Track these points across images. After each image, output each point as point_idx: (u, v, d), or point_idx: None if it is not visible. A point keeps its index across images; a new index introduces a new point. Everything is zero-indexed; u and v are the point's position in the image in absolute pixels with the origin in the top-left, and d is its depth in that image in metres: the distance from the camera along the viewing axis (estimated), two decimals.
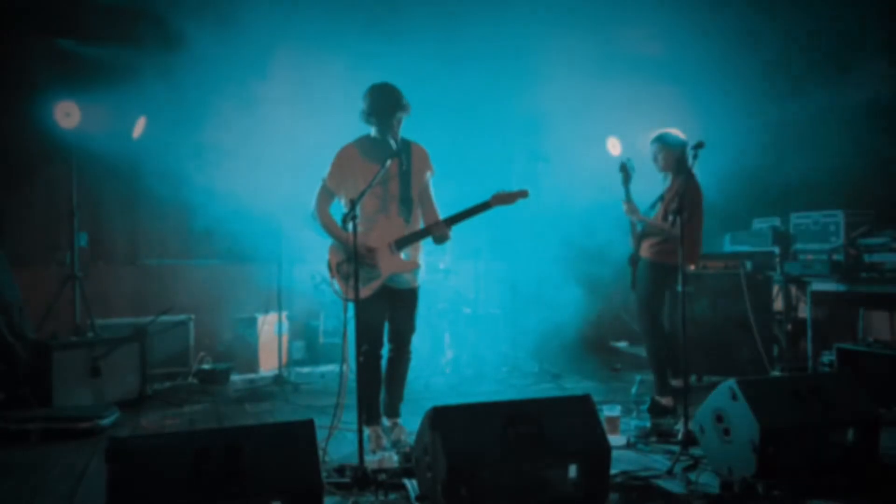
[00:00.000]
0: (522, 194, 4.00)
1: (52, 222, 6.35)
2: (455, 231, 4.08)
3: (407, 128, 4.12)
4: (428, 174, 4.16)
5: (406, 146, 4.08)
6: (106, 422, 4.56)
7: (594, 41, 6.35)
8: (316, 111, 5.69)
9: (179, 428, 4.62)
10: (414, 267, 4.07)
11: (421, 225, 4.13)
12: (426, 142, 4.23)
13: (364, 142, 4.08)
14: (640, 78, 6.55)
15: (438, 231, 3.99)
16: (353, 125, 4.14)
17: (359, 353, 3.69)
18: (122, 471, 2.53)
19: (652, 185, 5.01)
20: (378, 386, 4.15)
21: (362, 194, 3.63)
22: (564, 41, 6.26)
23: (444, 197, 4.35)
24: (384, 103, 3.96)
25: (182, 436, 2.98)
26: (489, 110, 7.01)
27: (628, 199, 4.78)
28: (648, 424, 4.38)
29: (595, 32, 6.31)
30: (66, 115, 5.81)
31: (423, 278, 4.22)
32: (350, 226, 3.49)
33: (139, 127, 6.20)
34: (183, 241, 6.94)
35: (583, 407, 3.23)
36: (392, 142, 3.95)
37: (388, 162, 3.79)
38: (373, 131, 4.04)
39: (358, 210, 3.53)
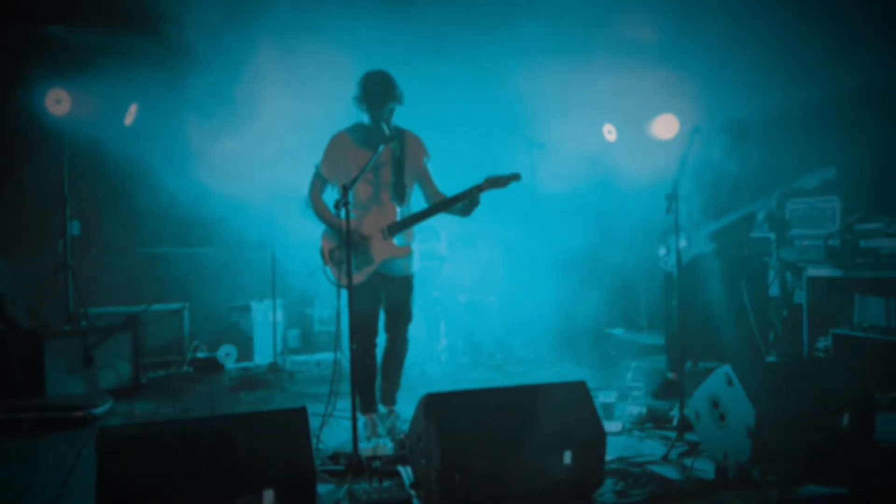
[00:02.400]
0: (514, 177, 3.95)
1: (44, 211, 6.29)
2: (451, 218, 4.08)
3: (399, 116, 4.09)
4: (425, 159, 4.14)
5: (400, 134, 4.06)
6: (99, 410, 4.53)
7: (590, 26, 6.31)
8: (310, 97, 5.64)
9: (173, 417, 4.60)
10: (407, 252, 4.05)
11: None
12: (418, 130, 4.21)
13: (357, 129, 4.06)
14: (637, 64, 6.50)
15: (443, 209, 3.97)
16: (347, 110, 4.11)
17: (352, 340, 3.67)
18: (112, 460, 2.51)
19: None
20: (374, 374, 4.14)
21: (355, 180, 3.60)
22: (559, 25, 6.22)
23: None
24: (377, 91, 3.93)
25: (174, 424, 2.96)
26: (483, 98, 6.96)
27: None
28: (644, 411, 4.37)
29: (591, 17, 6.26)
30: (57, 102, 5.76)
31: (417, 267, 4.20)
32: (342, 212, 3.46)
33: (131, 114, 6.14)
34: (176, 228, 6.89)
35: (577, 393, 3.22)
36: (385, 127, 3.91)
37: (381, 147, 3.77)
38: (366, 118, 4.00)
39: (351, 197, 3.50)
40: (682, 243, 4.93)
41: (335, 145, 4.05)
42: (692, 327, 4.41)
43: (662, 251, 5.16)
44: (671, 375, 4.89)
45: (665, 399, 4.71)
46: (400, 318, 4.15)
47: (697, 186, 4.89)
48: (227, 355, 6.34)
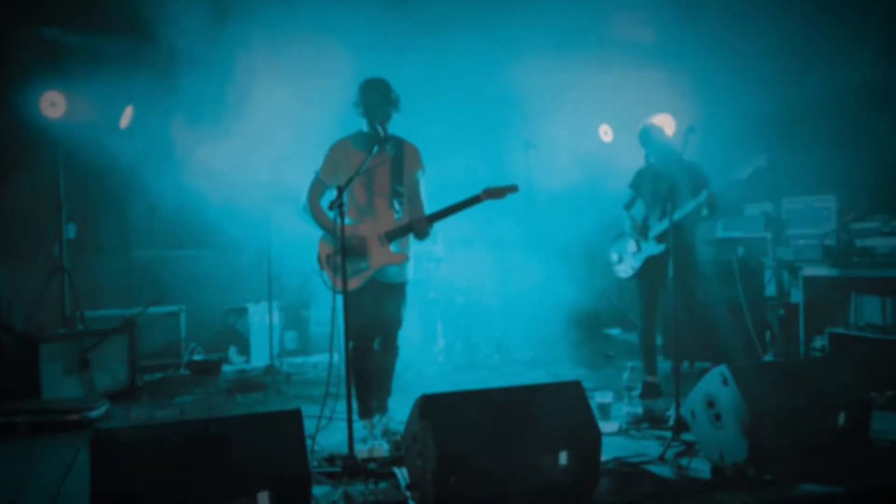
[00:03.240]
0: (512, 189, 4.02)
1: (39, 214, 6.28)
2: (447, 220, 4.08)
3: (399, 116, 4.11)
4: (419, 172, 4.19)
5: (399, 143, 4.13)
6: (95, 414, 4.52)
7: (586, 25, 6.31)
8: (306, 101, 5.64)
9: (169, 419, 4.60)
10: (404, 259, 4.07)
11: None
12: (417, 131, 4.23)
13: (357, 136, 4.12)
14: (632, 64, 6.51)
15: (419, 227, 4.01)
16: (343, 109, 4.14)
17: (347, 343, 3.68)
18: (106, 462, 2.50)
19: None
20: (370, 379, 4.14)
21: (350, 181, 3.63)
22: (557, 26, 6.22)
23: (434, 186, 4.33)
24: (375, 98, 4.00)
25: (168, 427, 2.95)
26: (480, 98, 6.96)
27: None
28: (640, 411, 4.38)
29: (588, 18, 6.27)
30: (52, 104, 5.76)
31: (412, 275, 4.21)
32: (335, 214, 3.47)
33: (126, 116, 6.13)
34: (173, 231, 6.88)
35: (573, 393, 3.21)
36: (379, 129, 3.97)
37: (376, 149, 3.81)
38: (364, 125, 4.07)
39: (347, 200, 3.52)
40: (632, 248, 4.99)
41: (335, 151, 4.10)
42: (667, 328, 4.46)
43: (614, 257, 5.16)
44: (649, 378, 4.91)
45: (648, 400, 4.73)
46: (391, 325, 4.15)
47: (637, 193, 5.05)
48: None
